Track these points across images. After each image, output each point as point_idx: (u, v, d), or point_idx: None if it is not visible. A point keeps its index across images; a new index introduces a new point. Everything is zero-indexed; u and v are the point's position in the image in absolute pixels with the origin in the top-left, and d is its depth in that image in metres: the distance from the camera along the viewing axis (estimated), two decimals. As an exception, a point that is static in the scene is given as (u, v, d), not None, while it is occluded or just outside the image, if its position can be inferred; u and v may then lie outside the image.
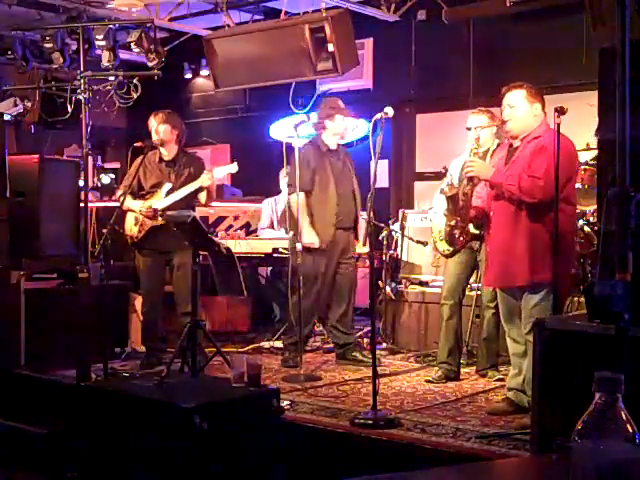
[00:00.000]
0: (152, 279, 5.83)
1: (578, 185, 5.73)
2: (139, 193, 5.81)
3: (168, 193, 5.70)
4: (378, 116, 4.44)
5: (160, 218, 5.62)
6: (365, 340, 6.41)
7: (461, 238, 4.57)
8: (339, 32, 5.87)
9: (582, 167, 5.89)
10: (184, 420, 3.57)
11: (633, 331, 2.69)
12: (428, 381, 5.21)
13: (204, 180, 5.64)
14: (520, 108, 4.26)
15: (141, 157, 5.62)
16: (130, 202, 5.70)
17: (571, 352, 3.01)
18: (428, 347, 6.13)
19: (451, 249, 5.15)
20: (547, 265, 4.07)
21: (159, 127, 5.75)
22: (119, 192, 5.82)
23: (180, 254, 5.64)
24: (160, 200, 5.69)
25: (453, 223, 4.55)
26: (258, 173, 8.75)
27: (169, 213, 5.45)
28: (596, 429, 1.24)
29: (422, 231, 6.54)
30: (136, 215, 5.74)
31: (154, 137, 5.75)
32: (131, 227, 5.77)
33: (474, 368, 5.46)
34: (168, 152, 5.81)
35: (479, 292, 5.42)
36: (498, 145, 5.12)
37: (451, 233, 4.60)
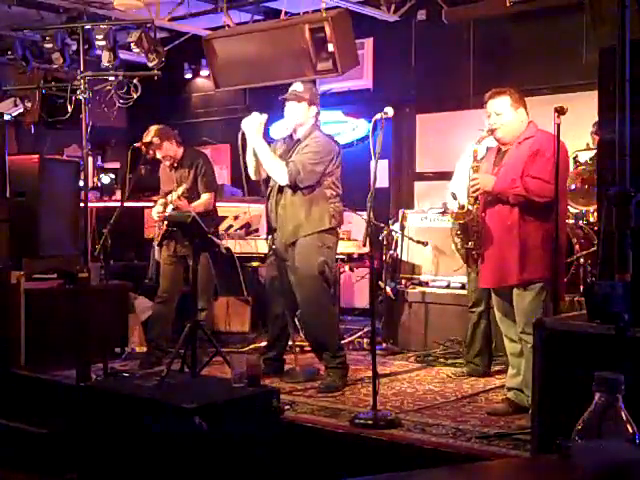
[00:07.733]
0: (168, 278, 5.86)
1: (578, 185, 5.74)
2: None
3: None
4: (378, 116, 4.42)
5: (164, 224, 5.71)
6: (365, 340, 6.40)
7: (479, 260, 4.52)
8: (339, 32, 5.88)
9: (582, 167, 5.89)
10: (184, 420, 3.57)
11: (633, 331, 2.69)
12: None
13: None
14: (506, 115, 4.21)
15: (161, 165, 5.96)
16: (153, 209, 5.95)
17: (571, 352, 3.01)
18: (428, 347, 6.12)
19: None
20: (538, 263, 4.09)
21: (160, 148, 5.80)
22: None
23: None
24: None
25: (470, 245, 4.35)
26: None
27: (170, 213, 5.52)
28: (596, 429, 1.24)
29: (422, 231, 6.53)
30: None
31: (165, 162, 5.91)
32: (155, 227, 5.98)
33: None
34: (171, 161, 5.92)
35: None
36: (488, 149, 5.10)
37: (468, 254, 4.48)
